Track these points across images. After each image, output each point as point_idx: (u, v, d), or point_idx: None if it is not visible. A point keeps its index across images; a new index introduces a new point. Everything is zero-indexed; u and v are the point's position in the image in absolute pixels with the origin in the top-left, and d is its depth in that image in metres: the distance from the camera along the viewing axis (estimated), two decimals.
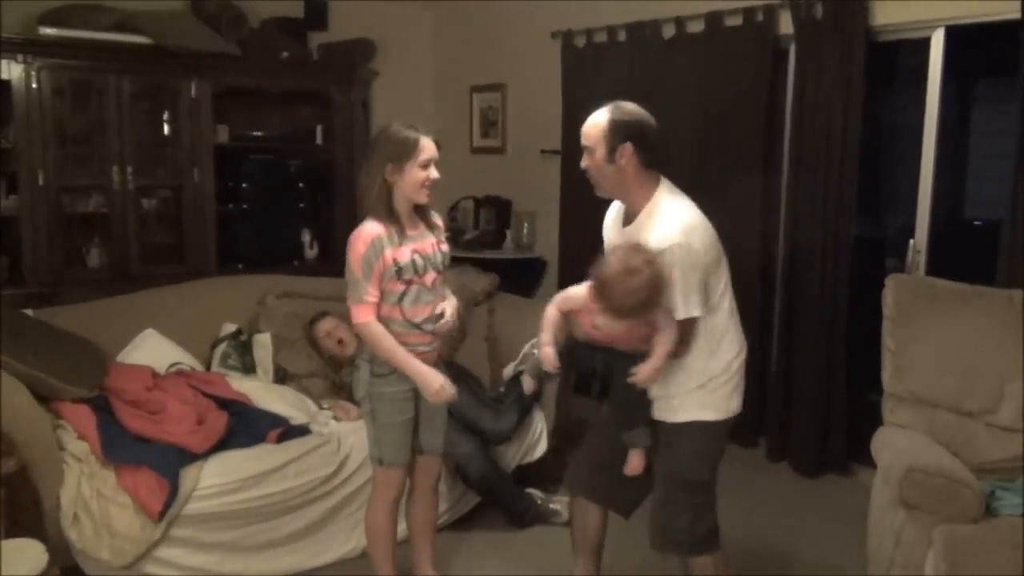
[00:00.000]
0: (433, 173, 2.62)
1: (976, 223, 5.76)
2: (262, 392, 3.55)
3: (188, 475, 2.93)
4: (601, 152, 2.33)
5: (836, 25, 3.86)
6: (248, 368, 3.82)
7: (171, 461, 2.92)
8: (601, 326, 2.29)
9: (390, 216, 2.59)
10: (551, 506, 3.55)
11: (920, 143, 3.84)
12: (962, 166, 5.82)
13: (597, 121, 2.35)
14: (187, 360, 3.70)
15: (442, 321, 2.68)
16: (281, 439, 3.20)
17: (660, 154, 2.39)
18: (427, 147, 2.62)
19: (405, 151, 2.57)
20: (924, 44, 3.79)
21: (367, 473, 3.21)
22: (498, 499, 3.50)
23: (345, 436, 3.29)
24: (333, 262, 5.31)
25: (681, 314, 2.26)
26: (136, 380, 3.33)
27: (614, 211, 2.56)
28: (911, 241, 3.88)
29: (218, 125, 4.92)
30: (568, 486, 2.80)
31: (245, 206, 5.17)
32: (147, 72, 4.62)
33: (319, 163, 5.46)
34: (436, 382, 2.61)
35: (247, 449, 3.12)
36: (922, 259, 3.86)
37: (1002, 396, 2.88)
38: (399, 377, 2.63)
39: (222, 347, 3.84)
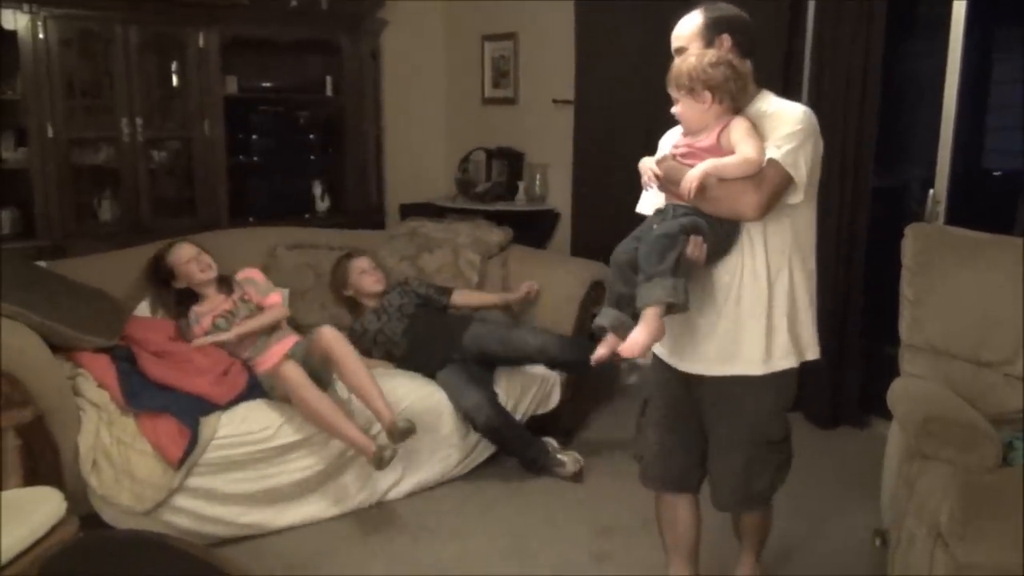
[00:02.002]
0: (203, 263, 3.58)
1: (996, 173, 5.67)
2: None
3: (207, 424, 2.96)
4: (696, 49, 2.12)
5: None
6: None
7: (192, 409, 2.97)
8: (679, 114, 2.11)
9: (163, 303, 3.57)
10: (558, 456, 3.55)
11: (940, 92, 3.76)
12: (982, 115, 5.72)
13: (690, 20, 2.18)
14: None
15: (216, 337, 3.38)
16: None
17: (753, 53, 2.19)
18: (183, 253, 3.56)
19: (165, 265, 3.58)
20: None
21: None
22: (508, 446, 3.52)
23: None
24: (344, 215, 5.30)
25: (780, 155, 1.98)
26: (160, 331, 3.39)
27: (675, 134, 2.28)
28: (930, 191, 3.82)
29: (227, 76, 4.87)
30: (645, 484, 2.51)
31: (255, 158, 5.14)
32: (155, 22, 4.55)
33: (329, 114, 5.41)
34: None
35: (264, 400, 3.15)
36: (942, 208, 3.81)
37: (1021, 346, 2.85)
38: None
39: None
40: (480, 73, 5.87)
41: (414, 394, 3.41)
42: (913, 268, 2.99)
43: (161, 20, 4.58)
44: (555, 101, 5.29)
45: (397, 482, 3.36)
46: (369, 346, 3.67)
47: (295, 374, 3.09)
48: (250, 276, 3.66)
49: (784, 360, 2.18)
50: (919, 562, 2.40)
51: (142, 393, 2.98)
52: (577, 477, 3.52)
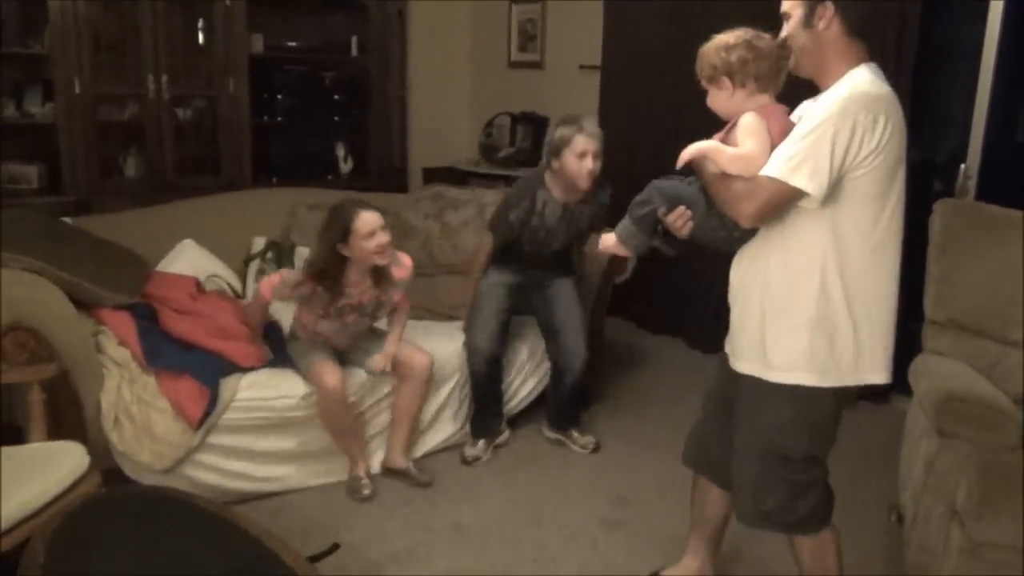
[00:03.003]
0: (381, 240, 2.88)
1: None
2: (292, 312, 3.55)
3: (227, 385, 2.97)
4: (798, 15, 1.95)
5: None
6: None
7: (213, 369, 2.98)
8: (710, 104, 2.05)
9: (329, 283, 2.92)
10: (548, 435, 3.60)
11: (977, 62, 3.68)
12: (1019, 89, 5.58)
13: None
14: (224, 273, 3.73)
15: (372, 365, 3.13)
16: None
17: (873, 22, 1.96)
18: (367, 222, 2.86)
19: (344, 227, 2.86)
20: None
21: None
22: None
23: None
24: (367, 177, 5.30)
25: (774, 168, 1.84)
26: (181, 289, 3.37)
27: None
28: (962, 166, 3.75)
29: (253, 34, 4.85)
30: (683, 462, 2.45)
31: (279, 118, 5.13)
32: None
33: (354, 75, 5.38)
34: (252, 356, 3.10)
35: (283, 369, 3.14)
36: (972, 184, 3.74)
37: None
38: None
39: (256, 263, 3.86)
40: (507, 36, 5.81)
41: (446, 347, 3.44)
42: (940, 244, 2.94)
43: None
44: (582, 67, 5.23)
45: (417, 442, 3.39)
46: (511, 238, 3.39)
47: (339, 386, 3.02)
48: (405, 277, 3.12)
49: (804, 374, 1.97)
50: (934, 539, 2.40)
51: (163, 351, 2.99)
52: (595, 448, 3.52)
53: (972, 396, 2.43)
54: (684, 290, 4.75)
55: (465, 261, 3.78)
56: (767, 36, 1.97)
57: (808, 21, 1.94)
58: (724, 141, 1.99)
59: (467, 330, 3.46)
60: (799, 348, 1.96)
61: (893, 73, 3.72)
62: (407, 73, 5.69)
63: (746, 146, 1.91)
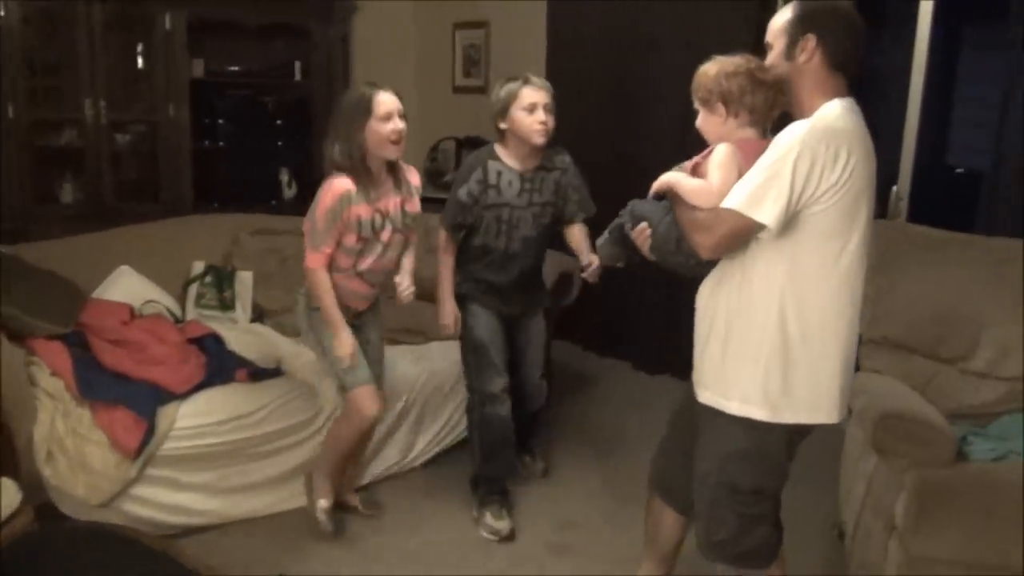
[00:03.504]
0: (397, 125, 2.68)
1: (958, 170, 5.75)
2: (234, 334, 3.53)
3: (165, 414, 2.91)
4: (780, 46, 1.96)
5: None
6: (226, 305, 3.79)
7: (148, 399, 2.91)
8: (699, 126, 2.03)
9: (362, 172, 2.68)
10: (490, 520, 3.09)
11: (906, 88, 3.80)
12: (946, 113, 5.79)
13: (781, 14, 1.99)
14: (162, 298, 3.66)
15: (402, 292, 2.88)
16: (251, 379, 3.18)
17: (853, 58, 1.96)
18: (384, 102, 2.67)
19: (363, 109, 2.65)
20: None
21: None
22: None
23: (320, 381, 3.26)
24: (312, 202, 5.25)
25: (732, 200, 1.84)
26: (114, 317, 3.30)
27: None
28: (893, 188, 3.86)
29: (194, 59, 4.80)
30: (649, 480, 2.43)
31: (222, 143, 5.08)
32: (119, 1, 4.47)
33: (297, 100, 5.36)
34: (346, 347, 2.74)
35: (223, 388, 3.10)
36: (904, 206, 3.85)
37: (978, 343, 2.90)
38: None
39: (195, 287, 3.79)
40: (451, 61, 5.84)
41: (390, 372, 3.27)
42: (875, 265, 3.02)
43: (126, 0, 4.49)
44: None
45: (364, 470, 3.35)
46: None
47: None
48: (418, 184, 2.96)
49: (758, 408, 1.96)
50: (875, 554, 2.45)
51: (97, 382, 2.92)
52: (544, 472, 3.52)
53: (907, 413, 2.49)
54: (629, 312, 4.80)
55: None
56: (770, 69, 1.97)
57: (790, 53, 1.95)
58: (698, 165, 2.01)
59: (474, 378, 3.11)
60: (754, 382, 1.95)
61: None
62: None
63: (711, 178, 1.91)
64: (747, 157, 1.91)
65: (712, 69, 1.98)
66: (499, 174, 2.97)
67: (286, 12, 5.11)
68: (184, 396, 2.99)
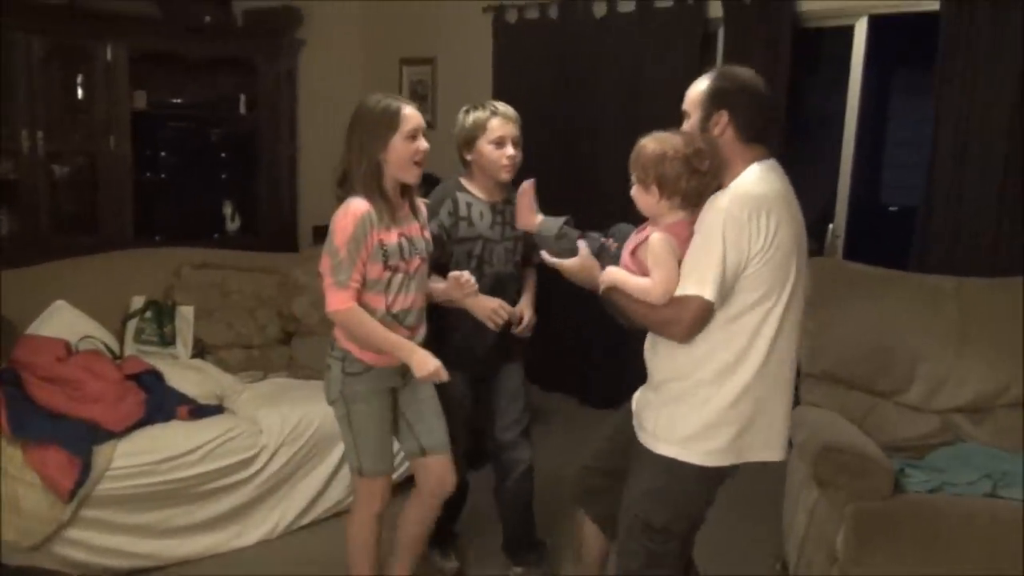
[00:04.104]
0: (422, 144, 2.42)
1: (892, 208, 5.94)
2: (175, 370, 3.46)
3: (101, 453, 2.83)
4: (696, 118, 2.05)
5: (764, 11, 3.90)
6: (166, 341, 3.72)
7: (83, 437, 2.83)
8: (633, 196, 2.06)
9: (380, 195, 2.36)
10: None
11: (841, 129, 3.93)
12: (880, 153, 5.99)
13: (699, 85, 2.07)
14: (99, 334, 3.58)
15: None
16: (192, 416, 3.13)
17: (765, 130, 2.06)
18: (411, 117, 2.40)
19: (386, 123, 2.36)
20: (848, 32, 3.87)
21: (284, 458, 3.16)
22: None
23: (263, 418, 3.22)
24: (256, 235, 5.21)
25: (687, 287, 1.91)
26: (48, 353, 3.21)
27: None
28: (830, 225, 3.97)
29: (136, 91, 4.73)
30: (571, 495, 2.48)
31: (164, 175, 5.00)
32: (59, 32, 4.40)
33: (242, 133, 5.31)
34: (431, 362, 2.34)
35: (163, 425, 3.04)
36: (840, 243, 3.96)
37: (913, 377, 2.99)
38: (376, 374, 2.42)
39: (134, 322, 3.72)
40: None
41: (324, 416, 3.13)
42: (812, 300, 3.09)
43: (66, 31, 4.42)
44: None
45: (303, 511, 3.29)
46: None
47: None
48: (425, 212, 2.66)
49: (679, 450, 2.02)
50: None
51: (29, 421, 2.84)
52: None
53: (847, 446, 2.55)
54: (576, 347, 4.82)
55: None
56: (708, 153, 1.99)
57: (704, 125, 2.03)
58: (637, 249, 2.05)
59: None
60: (685, 428, 2.01)
61: None
62: (297, 131, 5.65)
63: (653, 277, 1.96)
64: (681, 241, 1.98)
65: (651, 148, 2.01)
66: (469, 205, 2.77)
67: (231, 46, 5.08)
68: (122, 434, 2.92)
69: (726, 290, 1.90)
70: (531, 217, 2.42)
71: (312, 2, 5.52)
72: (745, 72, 2.07)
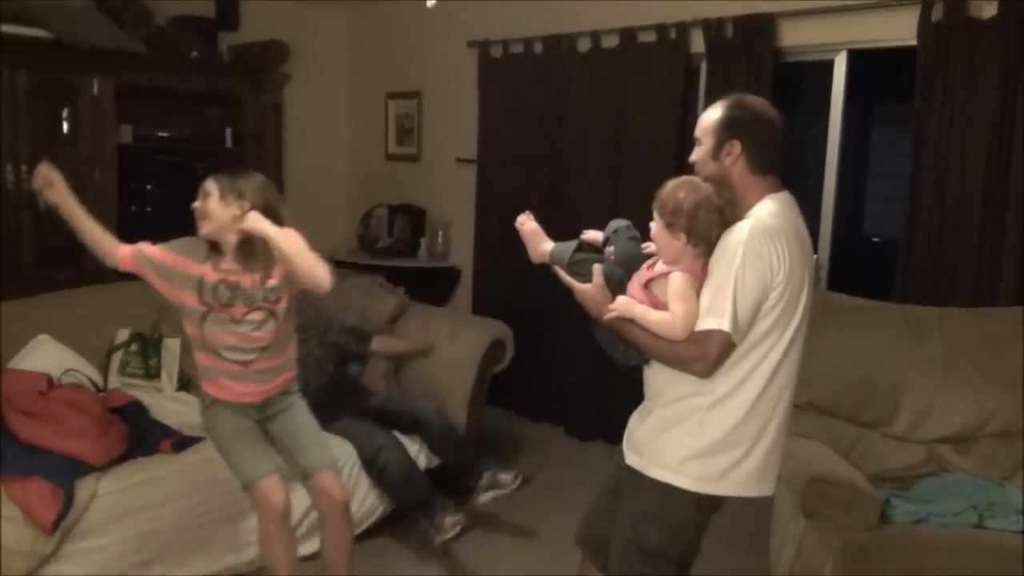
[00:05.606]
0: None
1: (874, 240, 6.00)
2: (160, 403, 3.44)
3: (85, 485, 2.80)
4: (708, 146, 2.04)
5: (745, 45, 3.97)
6: (151, 373, 3.71)
7: (65, 470, 2.79)
8: (654, 236, 2.04)
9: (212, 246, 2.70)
10: (446, 519, 3.29)
11: (822, 162, 3.97)
12: (861, 185, 6.06)
13: (712, 113, 2.06)
14: (83, 367, 3.55)
15: None
16: (176, 448, 3.10)
17: (777, 161, 2.05)
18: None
19: None
20: (828, 66, 3.93)
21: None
22: (413, 495, 3.34)
23: None
24: None
25: (707, 321, 1.89)
26: (31, 387, 3.17)
27: None
28: (814, 256, 3.99)
29: (121, 125, 4.74)
30: (576, 538, 2.43)
31: (149, 209, 4.99)
32: (45, 67, 4.41)
33: (229, 166, 5.29)
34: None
35: (147, 458, 3.02)
36: (824, 274, 4.00)
37: (898, 408, 3.00)
38: (223, 403, 2.64)
39: (119, 355, 3.70)
40: (384, 130, 5.91)
41: None
42: None
43: (52, 65, 4.43)
44: (458, 160, 5.35)
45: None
46: None
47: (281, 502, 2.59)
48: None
49: (673, 474, 2.01)
50: None
51: (10, 455, 2.79)
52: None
53: (833, 477, 2.55)
54: (561, 378, 4.82)
55: None
56: (720, 196, 1.99)
57: (716, 154, 2.02)
58: (651, 284, 2.02)
59: (367, 449, 3.38)
60: (680, 452, 2.00)
61: None
62: (283, 165, 5.67)
63: (673, 310, 1.94)
64: (700, 279, 1.96)
65: (689, 199, 1.98)
66: None
67: (217, 81, 5.11)
68: (104, 468, 2.89)
69: (747, 324, 1.90)
70: (541, 247, 2.36)
71: (298, 37, 5.57)
72: (759, 102, 2.06)
